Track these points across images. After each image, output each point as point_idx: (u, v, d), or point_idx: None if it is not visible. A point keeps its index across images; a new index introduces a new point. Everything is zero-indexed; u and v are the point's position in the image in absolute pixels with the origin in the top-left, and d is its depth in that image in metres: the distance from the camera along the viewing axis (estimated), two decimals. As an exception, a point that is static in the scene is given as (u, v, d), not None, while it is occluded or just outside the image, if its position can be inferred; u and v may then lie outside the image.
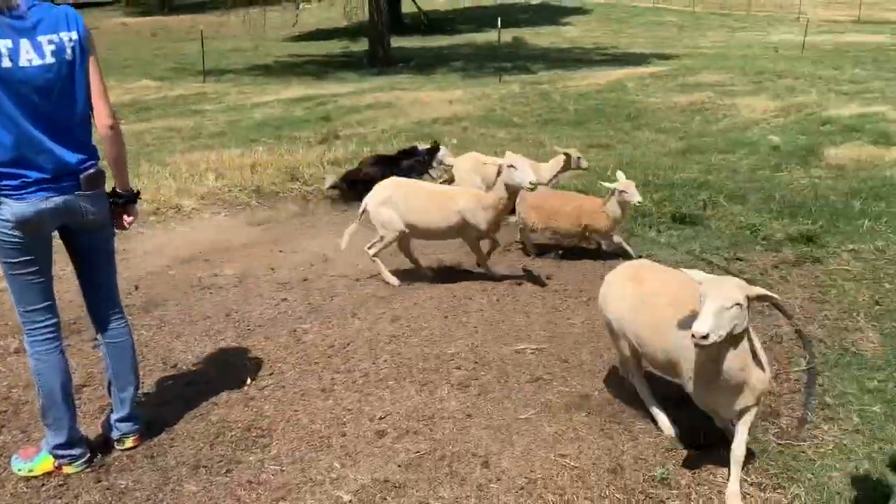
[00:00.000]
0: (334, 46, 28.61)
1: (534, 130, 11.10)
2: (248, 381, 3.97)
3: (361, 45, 25.86)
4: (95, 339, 3.72)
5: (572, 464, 3.24)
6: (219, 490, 3.07)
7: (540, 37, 30.39)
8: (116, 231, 3.25)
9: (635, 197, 5.43)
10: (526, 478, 3.14)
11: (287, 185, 8.10)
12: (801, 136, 10.04)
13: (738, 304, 2.71)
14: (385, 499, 3.02)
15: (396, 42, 25.14)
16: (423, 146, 7.88)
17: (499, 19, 21.26)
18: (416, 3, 32.05)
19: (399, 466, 3.22)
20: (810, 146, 9.37)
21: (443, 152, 7.70)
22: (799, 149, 9.26)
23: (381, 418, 3.58)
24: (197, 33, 22.94)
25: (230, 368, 4.13)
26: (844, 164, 8.59)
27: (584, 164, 7.02)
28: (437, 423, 3.54)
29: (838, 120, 11.07)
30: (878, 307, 4.84)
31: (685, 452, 3.34)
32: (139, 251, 6.08)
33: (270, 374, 4.06)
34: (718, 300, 2.67)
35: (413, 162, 7.56)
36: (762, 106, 12.64)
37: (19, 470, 3.17)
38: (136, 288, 5.34)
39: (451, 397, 3.78)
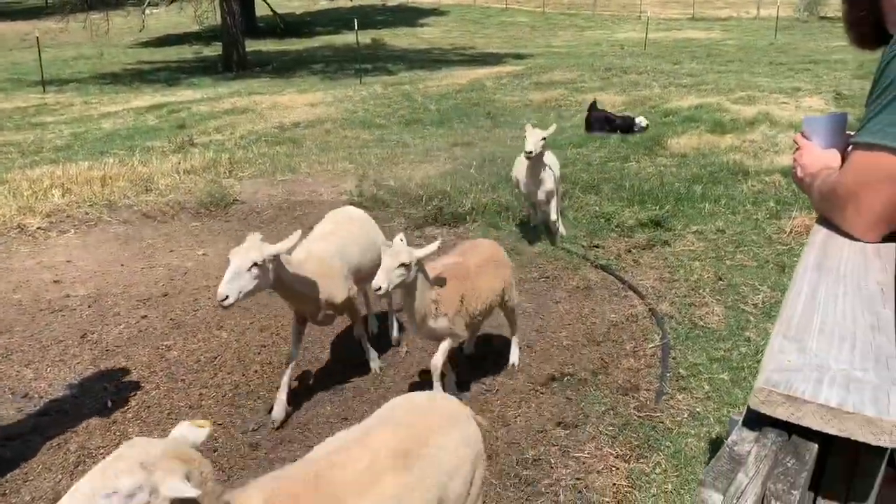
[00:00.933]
0: (186, 52, 27.51)
1: (397, 131, 11.17)
2: (109, 404, 3.77)
3: (215, 50, 25.03)
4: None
5: (449, 455, 3.30)
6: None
7: (398, 38, 30.58)
8: None
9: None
10: (404, 474, 3.18)
11: (141, 198, 7.72)
12: (648, 128, 10.67)
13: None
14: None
15: (252, 46, 24.54)
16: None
17: (356, 21, 21.19)
18: (270, 6, 31.38)
19: (275, 476, 3.16)
20: (655, 136, 9.98)
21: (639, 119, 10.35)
22: (645, 139, 9.84)
23: (253, 430, 3.50)
24: (32, 41, 21.41)
25: (88, 393, 3.91)
26: (686, 153, 9.21)
27: None
28: (312, 428, 3.51)
29: (679, 111, 11.86)
30: (720, 282, 5.24)
31: (554, 433, 3.49)
32: (-22, 276, 5.62)
33: (134, 395, 3.87)
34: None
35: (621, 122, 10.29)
36: (611, 100, 13.31)
37: None
38: (-24, 316, 4.94)
39: (324, 401, 3.76)
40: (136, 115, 13.69)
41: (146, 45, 30.47)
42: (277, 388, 3.66)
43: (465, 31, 34.45)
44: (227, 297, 3.06)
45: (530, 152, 5.25)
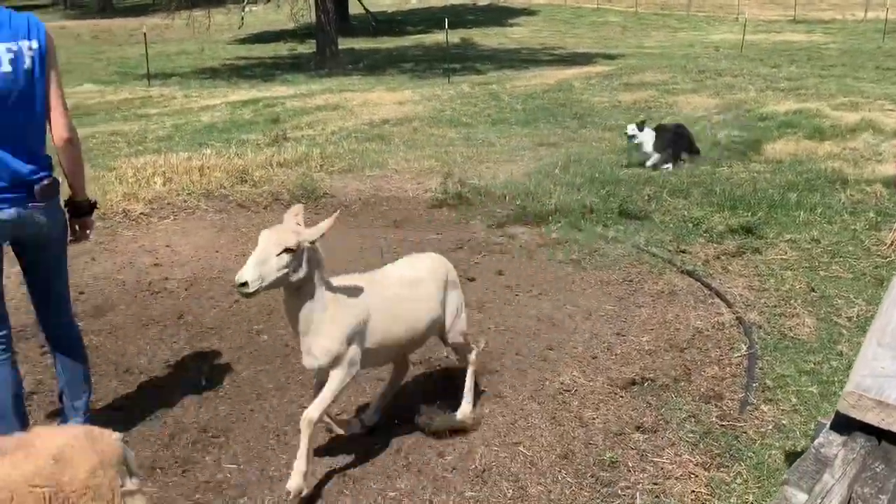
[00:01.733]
0: (281, 48, 28.37)
1: (483, 130, 11.22)
2: (203, 382, 3.97)
3: (309, 47, 25.72)
4: (43, 346, 3.69)
5: (525, 451, 3.33)
6: (176, 490, 3.08)
7: (488, 38, 30.63)
8: (71, 240, 3.21)
9: None
10: (481, 466, 3.23)
11: (236, 188, 8.04)
12: (741, 133, 10.36)
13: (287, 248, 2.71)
14: (343, 492, 3.07)
15: (344, 43, 25.08)
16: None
17: (446, 20, 21.37)
18: (363, 5, 32.00)
19: (356, 459, 3.27)
20: (749, 141, 9.69)
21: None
22: (738, 144, 9.57)
23: (337, 414, 3.62)
24: (140, 36, 22.53)
25: (184, 371, 4.13)
26: (782, 159, 8.91)
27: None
28: (393, 415, 3.60)
29: (775, 116, 11.46)
30: (813, 294, 5.06)
31: (632, 437, 3.47)
32: (86, 256, 5.99)
33: (225, 375, 4.07)
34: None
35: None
36: (703, 103, 13.00)
37: (-31, 480, 3.12)
38: (82, 293, 5.26)
39: (407, 388, 3.84)
40: (232, 109, 14.23)
41: (244, 41, 31.59)
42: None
43: (555, 31, 34.18)
44: (246, 282, 2.64)
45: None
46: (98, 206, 3.38)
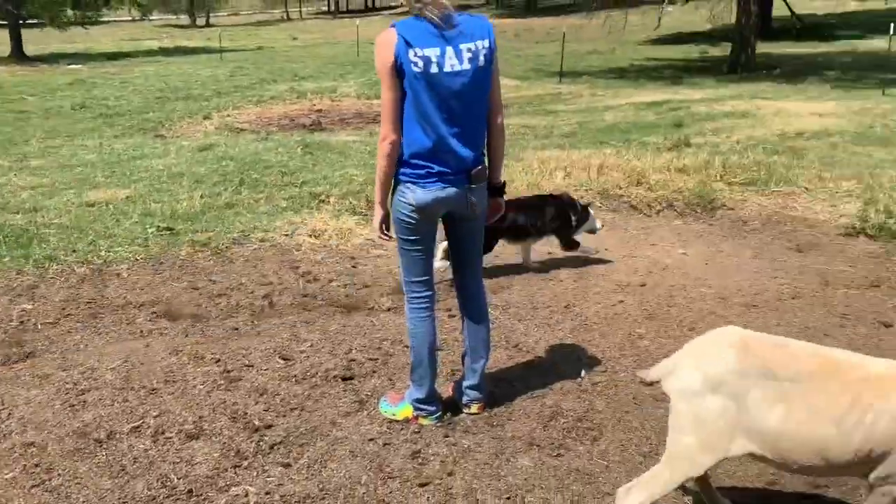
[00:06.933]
0: (693, 51, 27.72)
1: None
2: (583, 373, 4.13)
3: (722, 50, 24.69)
4: (449, 310, 4.19)
5: None
6: (548, 471, 3.26)
7: (940, 45, 26.15)
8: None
9: None
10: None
11: (631, 190, 8.12)
12: None
13: None
14: None
15: (762, 48, 23.53)
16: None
17: (891, 25, 18.72)
18: (788, 6, 29.65)
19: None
20: None
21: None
22: None
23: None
24: (558, 35, 23.88)
25: (566, 358, 4.33)
26: None
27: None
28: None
29: None
30: None
31: None
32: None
33: (604, 372, 4.17)
34: None
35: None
36: None
37: (385, 411, 3.71)
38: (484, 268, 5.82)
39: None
40: (636, 110, 14.37)
41: (655, 42, 31.56)
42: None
43: None
44: None
45: None
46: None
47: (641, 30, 31.20)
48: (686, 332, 4.67)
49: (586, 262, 6.02)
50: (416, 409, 3.62)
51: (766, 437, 2.46)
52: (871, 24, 30.66)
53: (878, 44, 23.46)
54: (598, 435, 3.53)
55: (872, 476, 2.40)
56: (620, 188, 8.16)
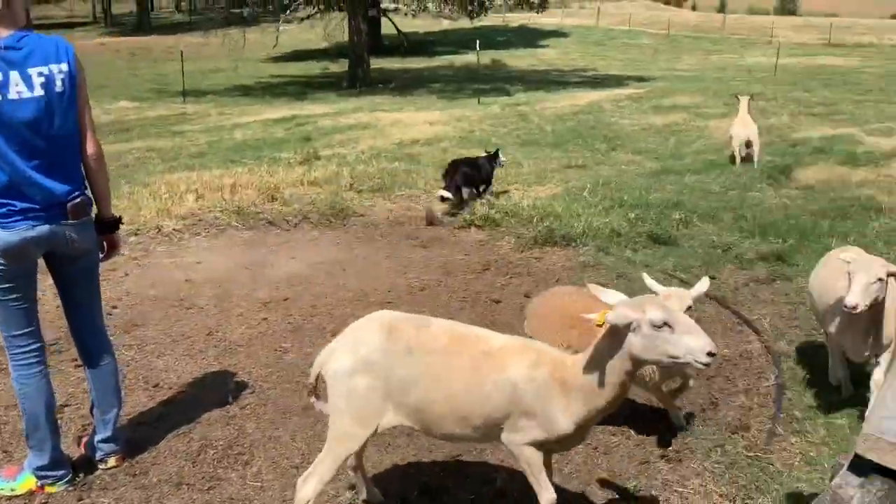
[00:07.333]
0: (314, 67, 28.79)
1: (512, 151, 11.26)
2: (230, 399, 4.02)
3: (341, 67, 26.06)
4: (76, 359, 3.76)
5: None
6: (201, 507, 3.12)
7: (518, 59, 30.79)
8: (101, 257, 3.29)
9: None
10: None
11: (267, 206, 8.14)
12: (773, 157, 10.27)
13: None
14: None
15: (376, 63, 25.37)
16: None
17: (478, 42, 21.52)
18: (395, 26, 32.36)
19: (381, 477, 3.28)
20: (781, 167, 9.60)
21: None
22: (770, 169, 9.49)
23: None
24: (176, 54, 22.97)
25: (211, 387, 4.18)
26: (813, 185, 8.82)
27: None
28: (417, 436, 3.61)
29: (808, 141, 11.35)
30: (844, 323, 4.98)
31: (657, 466, 3.44)
32: (119, 271, 6.11)
33: (252, 393, 4.11)
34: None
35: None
36: (735, 127, 12.89)
37: (1, 489, 3.20)
38: (115, 308, 5.36)
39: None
40: (265, 127, 14.45)
41: (277, 60, 32.09)
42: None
43: (585, 53, 34.24)
44: (856, 305, 3.35)
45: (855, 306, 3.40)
46: (124, 222, 3.46)
47: (261, 48, 31.46)
48: (329, 339, 4.81)
49: (227, 284, 5.88)
50: (39, 477, 3.19)
51: (410, 410, 2.69)
52: (463, 41, 34.90)
53: (469, 58, 26.76)
54: (249, 458, 3.47)
55: (503, 436, 2.72)
56: (256, 205, 8.12)
